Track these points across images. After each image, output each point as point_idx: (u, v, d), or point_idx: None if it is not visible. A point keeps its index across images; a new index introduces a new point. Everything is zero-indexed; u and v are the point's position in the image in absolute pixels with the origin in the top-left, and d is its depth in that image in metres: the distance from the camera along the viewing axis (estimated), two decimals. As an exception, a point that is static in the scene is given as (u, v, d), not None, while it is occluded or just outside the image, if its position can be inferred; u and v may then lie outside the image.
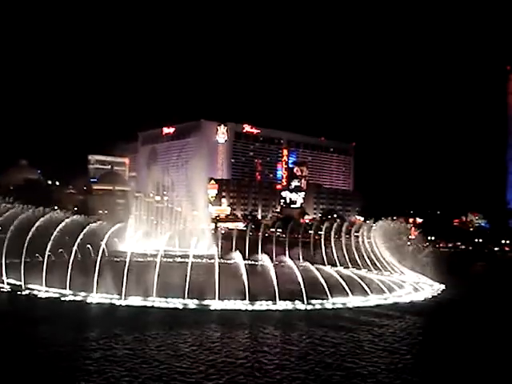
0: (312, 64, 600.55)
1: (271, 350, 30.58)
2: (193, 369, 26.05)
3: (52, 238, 51.46)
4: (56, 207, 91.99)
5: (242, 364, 27.28)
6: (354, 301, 45.65)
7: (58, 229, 52.85)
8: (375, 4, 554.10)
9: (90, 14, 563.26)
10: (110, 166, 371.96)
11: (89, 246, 62.16)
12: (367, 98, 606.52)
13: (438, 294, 55.44)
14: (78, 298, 42.92)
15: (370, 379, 25.53)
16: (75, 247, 50.34)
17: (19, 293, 44.98)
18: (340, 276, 48.73)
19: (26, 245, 50.91)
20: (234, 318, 39.38)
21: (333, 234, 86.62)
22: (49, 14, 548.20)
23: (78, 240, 52.00)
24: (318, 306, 43.37)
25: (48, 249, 49.80)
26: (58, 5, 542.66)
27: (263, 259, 50.11)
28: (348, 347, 31.54)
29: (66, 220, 56.23)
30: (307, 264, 51.52)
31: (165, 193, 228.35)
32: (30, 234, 52.18)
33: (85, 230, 53.74)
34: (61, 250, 57.70)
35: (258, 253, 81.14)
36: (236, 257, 48.54)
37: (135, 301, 42.08)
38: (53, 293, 44.40)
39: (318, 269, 49.23)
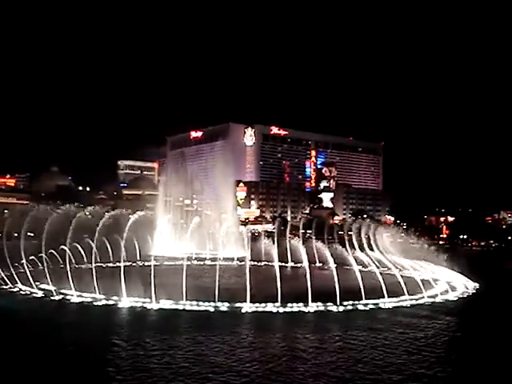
0: (339, 64, 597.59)
1: (301, 354, 30.04)
2: (222, 376, 25.74)
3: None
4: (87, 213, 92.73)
5: (272, 369, 26.91)
6: (386, 301, 45.07)
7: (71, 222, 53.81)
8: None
9: (118, 21, 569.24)
10: (139, 171, 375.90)
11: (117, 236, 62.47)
12: (395, 98, 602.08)
13: (472, 293, 54.54)
14: (110, 302, 43.17)
15: None
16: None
17: (51, 298, 45.40)
18: (373, 276, 48.30)
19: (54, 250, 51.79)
20: (265, 320, 39.16)
21: (352, 232, 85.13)
22: (78, 22, 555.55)
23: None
24: (349, 307, 42.94)
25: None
26: (89, 12, 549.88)
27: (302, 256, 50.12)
28: (379, 350, 30.84)
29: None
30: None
31: (194, 196, 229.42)
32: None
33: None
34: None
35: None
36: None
37: (166, 304, 42.15)
38: (85, 297, 44.73)
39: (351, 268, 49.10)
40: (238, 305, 41.77)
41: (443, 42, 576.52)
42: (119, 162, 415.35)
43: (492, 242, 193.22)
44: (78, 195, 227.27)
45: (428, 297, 48.92)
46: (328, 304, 42.59)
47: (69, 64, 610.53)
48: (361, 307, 43.24)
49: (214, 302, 41.99)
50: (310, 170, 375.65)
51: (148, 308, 41.58)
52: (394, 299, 45.97)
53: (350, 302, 43.36)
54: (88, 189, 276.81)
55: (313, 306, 42.11)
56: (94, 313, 41.02)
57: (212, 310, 41.11)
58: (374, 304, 44.05)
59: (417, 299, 47.52)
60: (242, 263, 49.70)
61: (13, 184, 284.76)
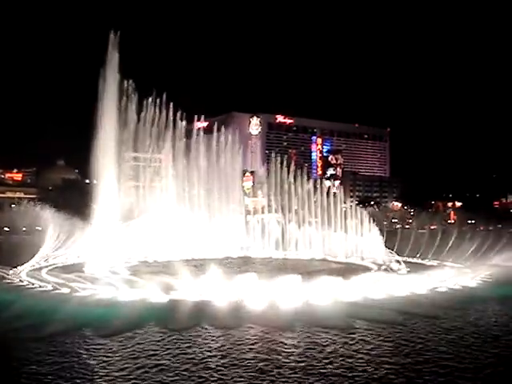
0: (343, 50, 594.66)
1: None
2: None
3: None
4: (94, 205, 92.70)
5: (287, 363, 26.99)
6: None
7: None
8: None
9: (121, 14, 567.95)
10: (145, 163, 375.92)
11: None
12: (401, 83, 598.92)
13: (486, 278, 54.15)
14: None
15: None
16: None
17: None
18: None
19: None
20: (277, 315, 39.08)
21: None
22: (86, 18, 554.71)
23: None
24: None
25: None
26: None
27: None
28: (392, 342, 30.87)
29: None
30: None
31: (202, 187, 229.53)
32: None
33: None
34: None
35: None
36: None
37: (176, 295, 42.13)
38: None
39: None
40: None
41: (449, 25, 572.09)
42: (125, 154, 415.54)
43: (500, 226, 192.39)
44: (84, 188, 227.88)
45: (437, 282, 48.16)
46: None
47: (75, 60, 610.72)
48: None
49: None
50: (315, 158, 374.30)
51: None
52: (403, 285, 45.29)
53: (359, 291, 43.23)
54: (95, 181, 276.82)
55: (319, 299, 41.85)
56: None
57: (222, 301, 40.97)
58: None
59: (426, 285, 46.99)
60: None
61: (20, 179, 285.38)
